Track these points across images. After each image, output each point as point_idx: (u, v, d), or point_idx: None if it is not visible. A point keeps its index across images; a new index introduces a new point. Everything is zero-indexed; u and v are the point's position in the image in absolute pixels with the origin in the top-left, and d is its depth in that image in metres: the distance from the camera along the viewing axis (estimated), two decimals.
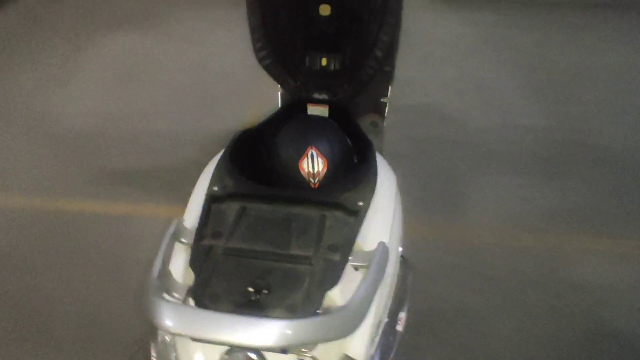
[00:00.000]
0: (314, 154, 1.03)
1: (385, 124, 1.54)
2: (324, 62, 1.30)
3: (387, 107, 1.67)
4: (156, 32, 3.34)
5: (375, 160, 1.02)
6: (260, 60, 1.25)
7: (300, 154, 1.03)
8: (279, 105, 1.63)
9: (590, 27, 3.43)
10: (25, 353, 1.51)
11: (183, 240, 0.86)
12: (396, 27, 1.19)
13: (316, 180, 1.03)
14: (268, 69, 1.27)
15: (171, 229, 0.84)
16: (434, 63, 2.98)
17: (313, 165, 1.02)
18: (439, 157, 2.27)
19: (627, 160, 2.24)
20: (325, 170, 1.03)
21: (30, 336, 1.55)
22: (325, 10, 1.24)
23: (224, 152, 1.02)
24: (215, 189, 0.92)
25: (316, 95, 1.28)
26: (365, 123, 1.46)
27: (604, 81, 2.83)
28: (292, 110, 1.29)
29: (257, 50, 1.24)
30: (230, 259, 0.81)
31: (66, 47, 3.18)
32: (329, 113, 1.29)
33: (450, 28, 3.38)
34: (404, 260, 1.10)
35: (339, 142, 1.09)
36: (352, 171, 1.02)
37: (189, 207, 0.96)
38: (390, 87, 1.67)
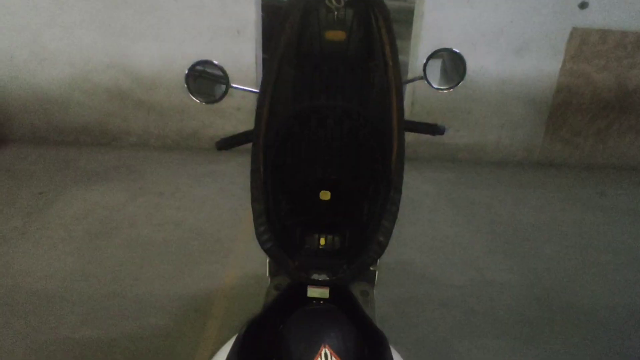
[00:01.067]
0: (328, 354, 0.99)
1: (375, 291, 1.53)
2: (322, 242, 1.32)
3: (377, 275, 1.67)
4: (129, 187, 3.35)
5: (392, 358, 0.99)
6: (262, 244, 1.26)
7: (313, 354, 0.99)
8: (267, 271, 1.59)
9: (535, 184, 3.80)
10: None
11: None
12: (397, 213, 1.24)
13: None
14: (269, 251, 1.27)
15: None
16: (403, 222, 3.11)
17: None
18: (421, 319, 2.25)
19: (600, 316, 2.31)
20: None
21: None
22: (325, 195, 1.30)
23: (231, 352, 0.96)
24: None
25: (315, 276, 1.27)
26: (355, 292, 1.45)
27: (558, 236, 3.04)
28: (293, 293, 1.26)
29: (259, 235, 1.25)
30: None
31: (33, 200, 3.11)
32: (330, 294, 1.28)
33: (414, 187, 3.61)
34: None
35: (351, 338, 1.06)
36: None
37: None
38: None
